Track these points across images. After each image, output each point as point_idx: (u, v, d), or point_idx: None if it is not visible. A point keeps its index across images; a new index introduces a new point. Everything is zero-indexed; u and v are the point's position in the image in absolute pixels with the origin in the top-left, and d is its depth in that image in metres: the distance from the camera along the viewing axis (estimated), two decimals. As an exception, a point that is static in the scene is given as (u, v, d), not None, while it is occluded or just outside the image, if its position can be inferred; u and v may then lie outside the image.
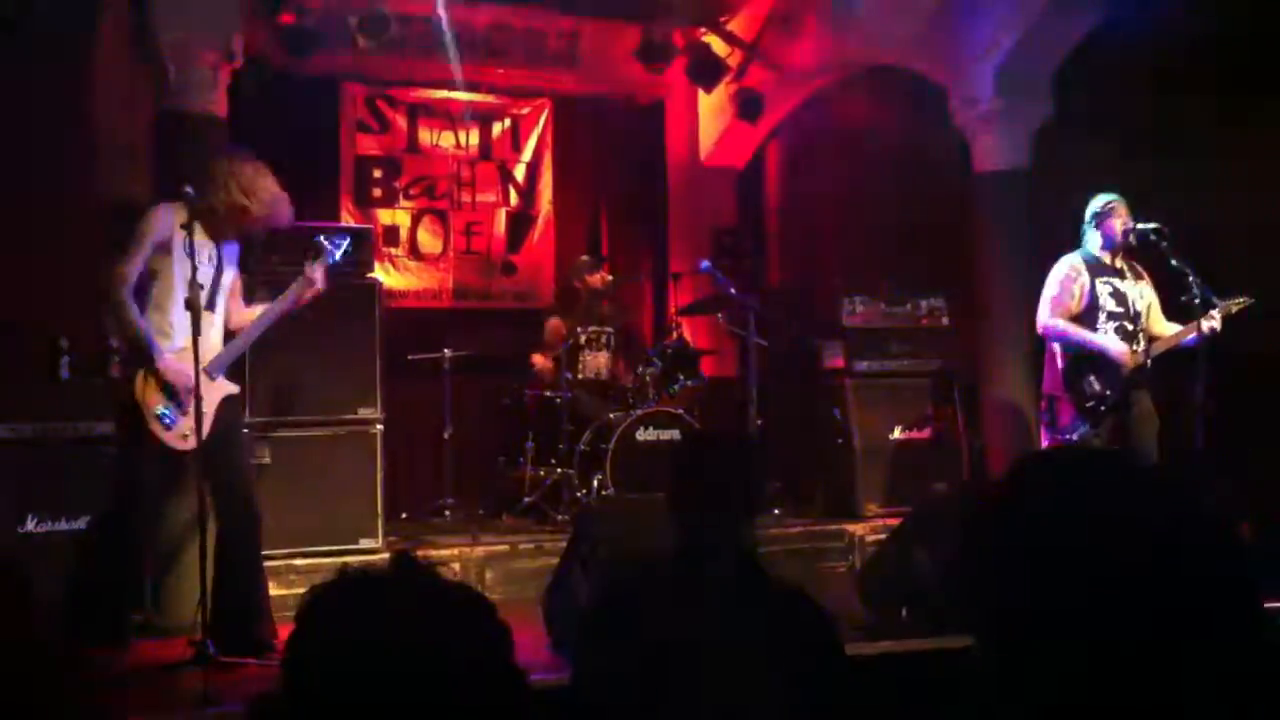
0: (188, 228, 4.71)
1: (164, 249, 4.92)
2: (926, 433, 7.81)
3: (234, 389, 5.20)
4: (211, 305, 5.06)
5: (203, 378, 4.83)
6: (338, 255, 5.36)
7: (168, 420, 4.93)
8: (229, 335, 5.28)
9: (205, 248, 5.00)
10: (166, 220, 4.92)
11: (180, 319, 4.88)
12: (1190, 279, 5.98)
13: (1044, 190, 7.80)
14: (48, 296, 5.03)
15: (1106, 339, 6.12)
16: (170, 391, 4.92)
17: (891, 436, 7.76)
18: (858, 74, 8.82)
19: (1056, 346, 6.28)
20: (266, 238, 5.59)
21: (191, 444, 4.91)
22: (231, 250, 5.21)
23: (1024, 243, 7.66)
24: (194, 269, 4.68)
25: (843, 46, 8.28)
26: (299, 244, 5.75)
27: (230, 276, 5.19)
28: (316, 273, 5.24)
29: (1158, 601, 1.09)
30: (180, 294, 4.84)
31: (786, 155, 10.05)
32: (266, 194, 5.09)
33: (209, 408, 4.91)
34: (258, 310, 5.28)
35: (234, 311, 5.28)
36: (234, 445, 5.13)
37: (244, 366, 6.28)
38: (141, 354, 4.91)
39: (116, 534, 5.06)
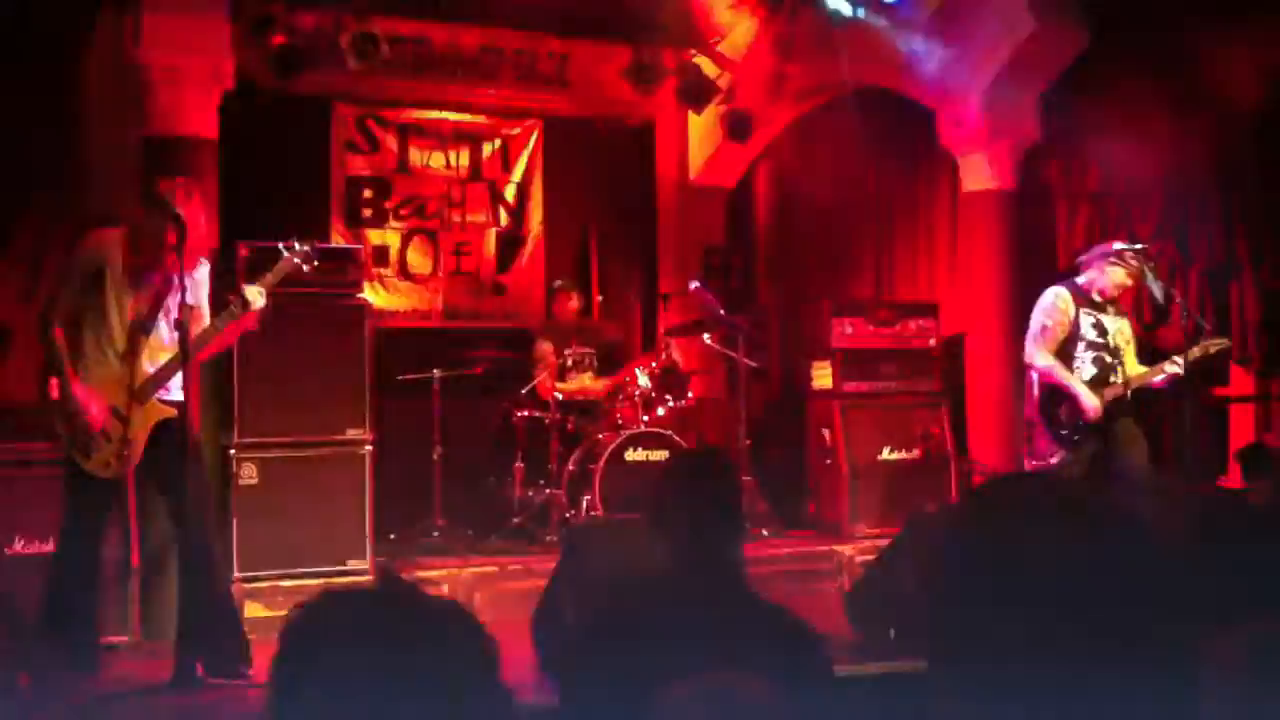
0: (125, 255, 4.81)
1: (95, 278, 4.87)
2: (916, 453, 7.82)
3: (170, 412, 4.95)
4: (148, 330, 4.92)
5: (131, 402, 4.84)
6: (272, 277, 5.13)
7: (90, 446, 4.86)
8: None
9: (141, 273, 4.93)
10: (99, 248, 4.90)
11: (109, 345, 4.88)
12: (1178, 303, 6.02)
13: (1031, 211, 7.85)
14: (37, 315, 5.00)
15: (1083, 390, 6.09)
16: (75, 420, 4.83)
17: (880, 457, 7.76)
18: (847, 95, 8.86)
19: (1034, 375, 6.30)
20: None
21: (115, 471, 4.89)
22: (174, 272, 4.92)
23: (1012, 263, 7.71)
24: (126, 296, 4.80)
25: (832, 68, 8.31)
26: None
27: (178, 302, 4.86)
28: (252, 294, 5.01)
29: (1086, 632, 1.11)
30: (111, 321, 4.86)
31: (776, 175, 10.09)
32: (193, 220, 4.86)
33: (137, 432, 4.88)
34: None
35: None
36: (175, 470, 4.91)
37: (232, 386, 6.28)
38: (58, 380, 4.87)
39: (63, 559, 5.01)
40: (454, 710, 1.25)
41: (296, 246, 5.24)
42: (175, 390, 5.00)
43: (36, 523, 5.46)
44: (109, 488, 5.01)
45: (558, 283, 8.50)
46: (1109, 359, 6.19)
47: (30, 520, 5.50)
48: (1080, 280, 6.28)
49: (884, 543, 6.25)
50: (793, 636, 2.65)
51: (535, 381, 7.78)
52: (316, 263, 5.39)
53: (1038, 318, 6.28)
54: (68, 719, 4.57)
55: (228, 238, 6.37)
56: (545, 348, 8.05)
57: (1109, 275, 6.20)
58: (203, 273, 5.08)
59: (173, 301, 4.93)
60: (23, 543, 5.55)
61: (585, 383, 7.95)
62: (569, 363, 7.94)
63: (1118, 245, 6.27)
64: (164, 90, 6.33)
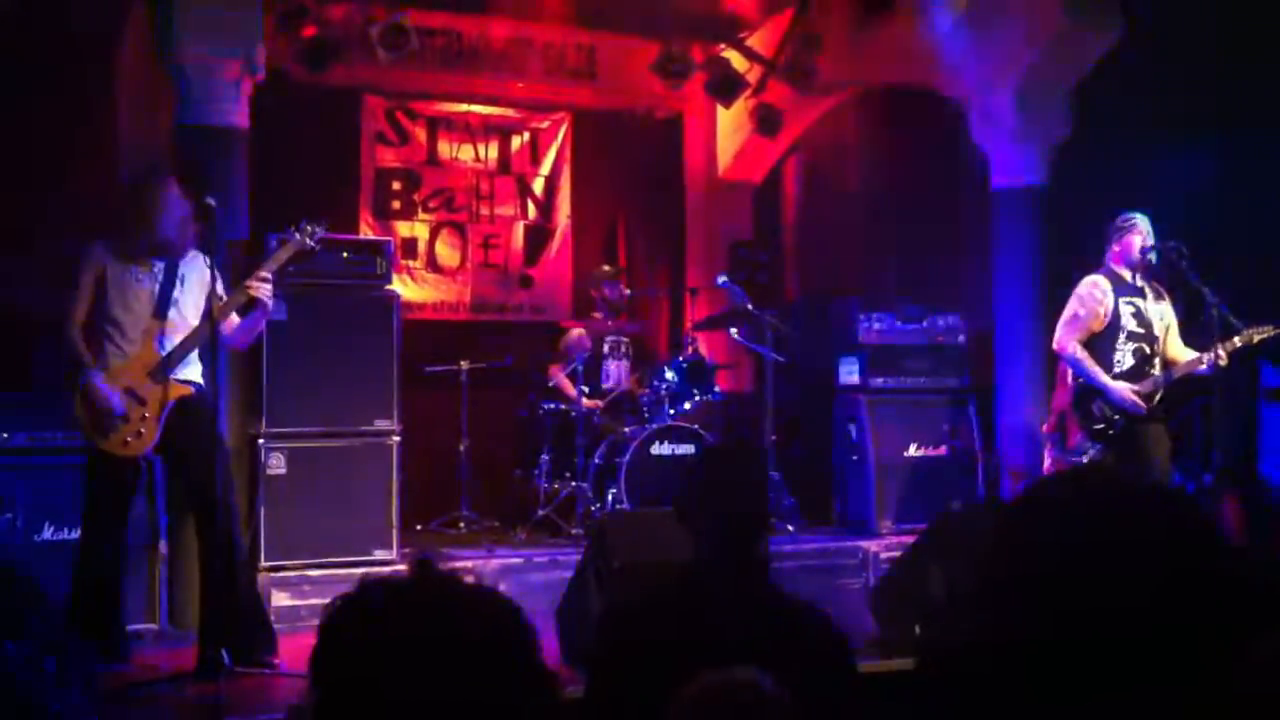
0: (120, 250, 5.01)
1: (101, 279, 5.02)
2: (942, 450, 7.79)
3: (187, 390, 5.06)
4: (162, 314, 5.04)
5: (148, 382, 4.96)
6: (281, 256, 5.28)
7: (107, 426, 4.96)
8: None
9: (145, 264, 5.07)
10: (96, 253, 5.05)
11: (123, 341, 5.01)
12: (1209, 300, 5.91)
13: (1062, 208, 7.80)
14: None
15: (1116, 384, 5.96)
16: (94, 409, 4.94)
17: (907, 453, 7.73)
18: (876, 89, 8.83)
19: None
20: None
21: (133, 449, 4.98)
22: (193, 261, 5.11)
23: (1041, 260, 7.65)
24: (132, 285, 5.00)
25: (862, 63, 8.28)
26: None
27: (192, 287, 5.07)
28: (259, 280, 5.14)
29: (1167, 621, 1.09)
30: (121, 310, 5.01)
31: (804, 170, 10.06)
32: (159, 210, 5.05)
33: (154, 409, 4.98)
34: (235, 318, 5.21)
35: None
36: (196, 450, 5.00)
37: (260, 377, 6.32)
38: (78, 373, 4.98)
39: (88, 544, 5.06)
40: (495, 693, 1.25)
41: (306, 227, 5.36)
42: (190, 369, 5.11)
43: (64, 510, 5.51)
44: (130, 470, 5.07)
45: (606, 269, 8.48)
46: (1149, 350, 6.07)
47: (58, 508, 5.54)
48: (1110, 263, 6.17)
49: (910, 539, 6.24)
50: (817, 632, 2.65)
51: (563, 374, 7.79)
52: (318, 244, 5.46)
53: (1072, 304, 6.13)
54: (95, 707, 4.60)
55: (257, 228, 6.39)
56: (575, 333, 8.06)
57: (1127, 242, 6.09)
58: (198, 262, 5.13)
59: (181, 289, 5.08)
60: (51, 530, 5.60)
61: (622, 371, 7.99)
62: (605, 349, 7.95)
63: (1125, 213, 6.19)
64: (196, 81, 6.35)
